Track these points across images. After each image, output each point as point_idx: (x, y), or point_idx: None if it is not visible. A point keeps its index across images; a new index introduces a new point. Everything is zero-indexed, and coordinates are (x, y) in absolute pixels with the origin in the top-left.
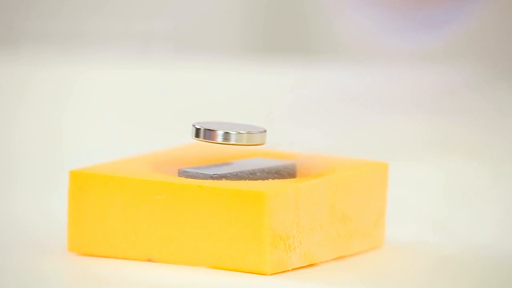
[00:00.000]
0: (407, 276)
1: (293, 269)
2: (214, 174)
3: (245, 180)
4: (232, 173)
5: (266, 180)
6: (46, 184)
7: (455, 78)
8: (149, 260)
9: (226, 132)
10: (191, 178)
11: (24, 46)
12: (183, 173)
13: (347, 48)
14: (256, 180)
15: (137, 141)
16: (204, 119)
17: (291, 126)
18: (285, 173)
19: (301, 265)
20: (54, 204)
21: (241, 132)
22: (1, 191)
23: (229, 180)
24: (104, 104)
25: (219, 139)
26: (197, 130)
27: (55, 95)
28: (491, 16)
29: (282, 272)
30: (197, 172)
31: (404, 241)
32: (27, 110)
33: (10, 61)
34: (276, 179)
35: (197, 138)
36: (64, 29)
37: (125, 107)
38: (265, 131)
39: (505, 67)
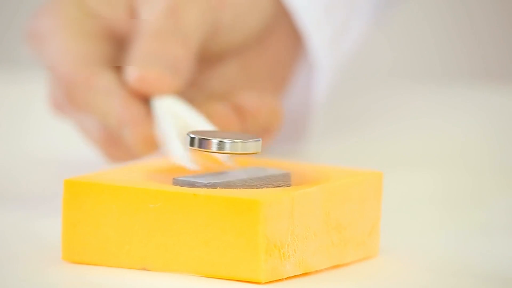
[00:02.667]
0: (402, 285)
1: (287, 278)
2: (209, 183)
3: (239, 188)
4: (227, 181)
5: (260, 189)
6: (41, 192)
7: (451, 85)
8: (144, 269)
9: (220, 141)
10: (185, 187)
11: (23, 50)
12: (178, 182)
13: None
14: (250, 188)
15: None
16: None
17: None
18: (279, 182)
19: (296, 274)
20: (49, 212)
21: (235, 140)
22: None
23: (223, 189)
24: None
25: (214, 147)
26: (192, 139)
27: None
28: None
29: (276, 280)
30: (191, 181)
31: (398, 250)
32: (24, 118)
33: (9, 68)
34: (270, 188)
35: (192, 147)
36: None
37: None
38: (259, 140)
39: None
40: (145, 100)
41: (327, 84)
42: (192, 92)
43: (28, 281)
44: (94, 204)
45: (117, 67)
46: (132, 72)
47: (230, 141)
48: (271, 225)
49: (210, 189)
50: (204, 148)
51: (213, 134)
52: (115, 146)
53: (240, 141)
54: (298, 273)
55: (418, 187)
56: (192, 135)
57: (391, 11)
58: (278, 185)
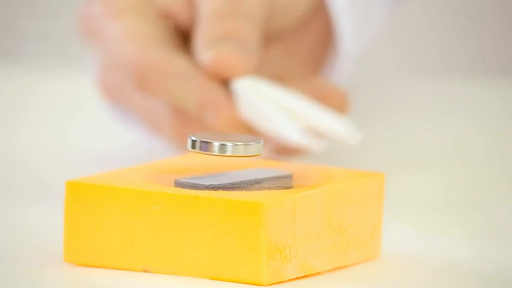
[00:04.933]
0: (404, 287)
1: (289, 280)
2: (211, 185)
3: (241, 190)
4: (229, 183)
5: (262, 191)
6: (43, 194)
7: (452, 88)
8: (146, 271)
9: (222, 144)
10: (187, 189)
11: (25, 50)
12: (180, 184)
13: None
14: (252, 190)
15: (133, 151)
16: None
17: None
18: (281, 184)
19: (298, 276)
20: (50, 214)
21: (237, 143)
22: None
23: (225, 191)
24: (101, 112)
25: (215, 150)
26: (193, 141)
27: (51, 103)
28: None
29: (278, 283)
30: (193, 183)
31: (400, 252)
32: (25, 120)
33: (11, 68)
34: (272, 190)
35: (193, 150)
36: (66, 31)
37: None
38: (261, 142)
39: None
40: (222, 82)
41: (348, 72)
42: None
43: (30, 283)
44: (96, 206)
45: (186, 51)
46: (207, 55)
47: (231, 144)
48: (273, 227)
49: (212, 191)
50: (205, 151)
51: (214, 137)
52: (189, 129)
53: (242, 144)
54: (300, 275)
55: (420, 189)
56: (194, 138)
57: (404, 5)
58: (280, 187)
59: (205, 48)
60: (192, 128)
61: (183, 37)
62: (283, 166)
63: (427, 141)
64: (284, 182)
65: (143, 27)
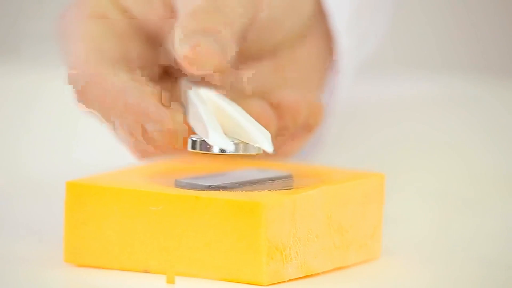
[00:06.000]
0: (404, 287)
1: (289, 280)
2: (211, 185)
3: (241, 191)
4: (229, 183)
5: (262, 191)
6: (43, 194)
7: (451, 87)
8: (146, 271)
9: None
10: (187, 189)
11: (25, 50)
12: (180, 184)
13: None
14: (252, 191)
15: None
16: None
17: None
18: (281, 184)
19: (298, 276)
20: (50, 214)
21: (236, 142)
22: None
23: (225, 191)
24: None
25: (216, 149)
26: (193, 142)
27: (51, 103)
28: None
29: (278, 283)
30: (193, 183)
31: (400, 252)
32: (25, 120)
33: (11, 68)
34: (272, 190)
35: (194, 150)
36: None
37: None
38: None
39: (500, 76)
40: (163, 100)
41: (347, 88)
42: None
43: (30, 284)
44: (96, 207)
45: (143, 66)
46: (183, 48)
47: (232, 143)
48: (273, 227)
49: (212, 192)
50: (205, 150)
51: None
52: (142, 145)
53: (242, 143)
54: (300, 276)
55: (419, 189)
56: (194, 138)
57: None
58: (280, 187)
59: (181, 42)
60: (144, 144)
61: (152, 45)
62: (283, 167)
63: (427, 141)
64: (284, 183)
65: (97, 39)
